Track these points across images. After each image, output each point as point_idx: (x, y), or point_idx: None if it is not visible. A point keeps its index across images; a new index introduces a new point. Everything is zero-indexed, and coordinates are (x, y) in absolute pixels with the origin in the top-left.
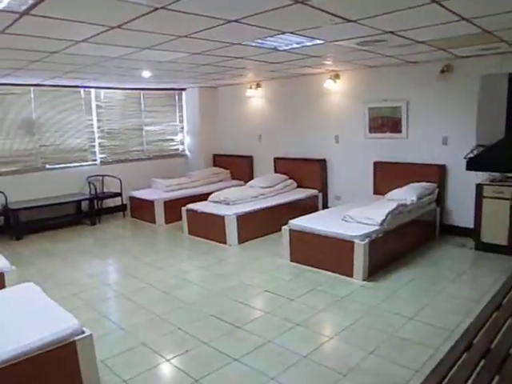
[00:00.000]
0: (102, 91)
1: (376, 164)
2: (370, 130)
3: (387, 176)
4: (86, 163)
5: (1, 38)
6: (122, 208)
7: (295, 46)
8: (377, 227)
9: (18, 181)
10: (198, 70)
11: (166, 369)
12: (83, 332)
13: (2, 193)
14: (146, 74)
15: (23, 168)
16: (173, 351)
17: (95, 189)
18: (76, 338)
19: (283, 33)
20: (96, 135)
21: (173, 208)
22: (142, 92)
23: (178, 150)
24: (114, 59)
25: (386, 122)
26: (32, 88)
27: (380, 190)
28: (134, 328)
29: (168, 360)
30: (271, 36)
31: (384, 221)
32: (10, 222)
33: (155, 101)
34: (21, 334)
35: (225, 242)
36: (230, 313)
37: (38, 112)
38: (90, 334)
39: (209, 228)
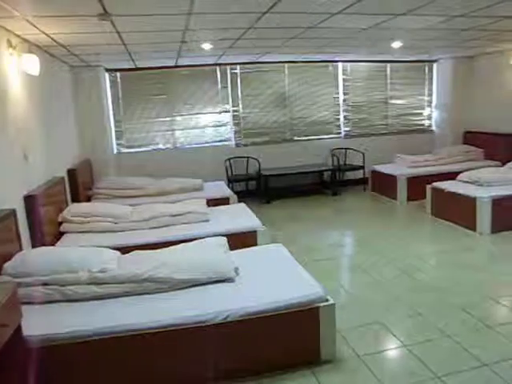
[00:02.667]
0: (349, 64)
1: None
2: None
3: None
4: (330, 136)
5: (264, 19)
6: (362, 181)
7: None
8: None
9: (270, 150)
10: (458, 36)
11: (402, 354)
12: (327, 300)
13: (257, 160)
14: (396, 44)
15: (275, 138)
16: (411, 337)
17: (338, 161)
18: (320, 304)
19: None
20: (341, 108)
21: (416, 185)
22: (388, 64)
23: (423, 125)
24: (366, 30)
25: None
26: (286, 65)
27: None
28: (372, 304)
29: (405, 346)
30: None
31: None
32: (260, 187)
33: (402, 73)
34: (271, 291)
35: (474, 229)
36: (479, 308)
37: (289, 87)
38: (333, 304)
39: (456, 211)
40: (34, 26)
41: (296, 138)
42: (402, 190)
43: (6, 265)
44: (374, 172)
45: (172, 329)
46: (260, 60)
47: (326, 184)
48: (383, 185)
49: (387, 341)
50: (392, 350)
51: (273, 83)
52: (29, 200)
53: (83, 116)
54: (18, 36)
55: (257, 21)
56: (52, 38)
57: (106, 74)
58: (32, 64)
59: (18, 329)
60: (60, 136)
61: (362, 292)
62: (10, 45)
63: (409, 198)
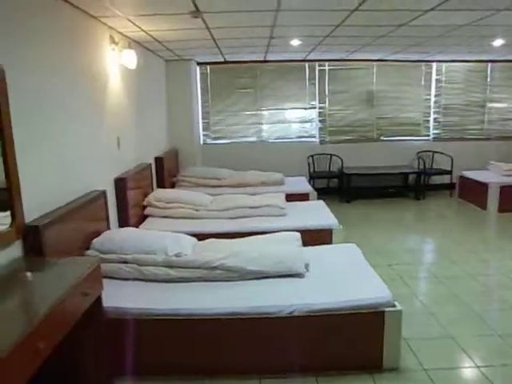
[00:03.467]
0: (444, 64)
1: None
2: None
3: None
4: (417, 138)
5: (353, 16)
6: (449, 187)
7: None
8: None
9: (354, 149)
10: None
11: (472, 375)
12: (394, 306)
13: (340, 158)
14: (498, 42)
15: (359, 137)
16: (486, 358)
17: (424, 164)
18: (386, 309)
19: None
20: (432, 110)
21: (510, 195)
22: (489, 64)
23: None
24: (462, 27)
25: None
26: (374, 63)
27: None
28: (445, 317)
29: (478, 367)
30: None
31: None
32: (342, 185)
33: (506, 74)
34: (339, 290)
35: None
36: None
37: (378, 86)
38: (400, 310)
39: None
40: (134, 23)
41: (382, 138)
42: (493, 199)
43: (95, 240)
44: (462, 178)
45: (237, 317)
46: (349, 58)
47: (409, 187)
48: (472, 192)
49: (458, 358)
50: (462, 368)
51: (361, 81)
52: (118, 183)
53: (173, 107)
54: (120, 33)
55: (345, 19)
56: (149, 35)
57: (197, 67)
58: (130, 58)
59: (98, 299)
60: (151, 126)
61: (436, 303)
62: (112, 41)
63: (500, 209)
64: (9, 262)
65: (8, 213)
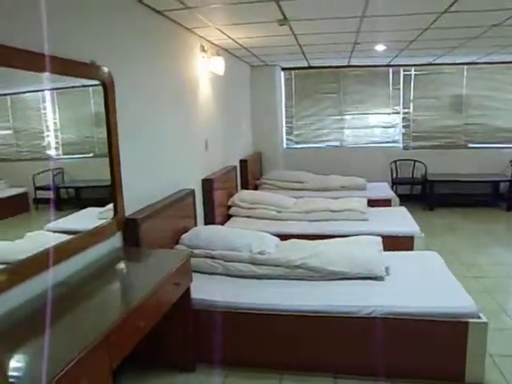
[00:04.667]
0: None
1: None
2: None
3: None
4: (510, 145)
5: (442, 18)
6: None
7: None
8: None
9: (439, 155)
10: None
11: None
12: (479, 317)
13: (424, 164)
14: None
15: (445, 143)
16: None
17: None
18: (470, 320)
19: None
20: None
21: None
22: None
23: None
24: None
25: None
26: (465, 67)
27: None
28: None
29: None
30: None
31: None
32: (425, 192)
33: None
34: (419, 295)
35: None
36: None
37: (468, 90)
38: (486, 322)
39: None
40: (223, 32)
41: (470, 145)
42: None
43: (184, 236)
44: None
45: (317, 315)
46: (436, 62)
47: (501, 196)
48: None
49: None
50: None
51: (449, 86)
52: (206, 183)
53: (258, 112)
54: (209, 41)
55: (434, 21)
56: (236, 42)
57: (282, 73)
58: (219, 65)
59: (187, 290)
60: (236, 129)
61: None
62: (202, 49)
63: None
64: (111, 251)
65: (111, 207)
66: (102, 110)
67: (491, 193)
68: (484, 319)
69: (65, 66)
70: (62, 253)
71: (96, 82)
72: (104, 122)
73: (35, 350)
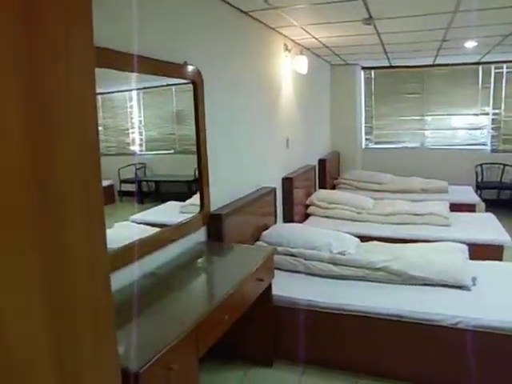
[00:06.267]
0: None
1: None
2: None
3: None
4: None
5: None
6: None
7: None
8: None
9: None
10: None
11: None
12: None
13: None
14: None
15: None
16: None
17: None
18: None
19: None
20: None
21: None
22: None
23: None
24: None
25: None
26: None
27: None
28: None
29: None
30: None
31: None
32: None
33: None
34: (508, 308)
35: None
36: None
37: None
38: None
39: None
40: (307, 32)
41: None
42: None
43: (265, 233)
44: None
45: (398, 319)
46: None
47: None
48: None
49: None
50: None
51: None
52: (286, 181)
53: (337, 111)
54: (292, 40)
55: None
56: (319, 41)
57: (362, 72)
58: (302, 64)
59: (269, 286)
60: (316, 128)
61: None
62: (286, 48)
63: None
64: (196, 245)
65: (192, 201)
66: (184, 108)
67: None
68: None
69: (163, 68)
70: (151, 244)
71: (180, 81)
72: (185, 120)
73: (130, 335)
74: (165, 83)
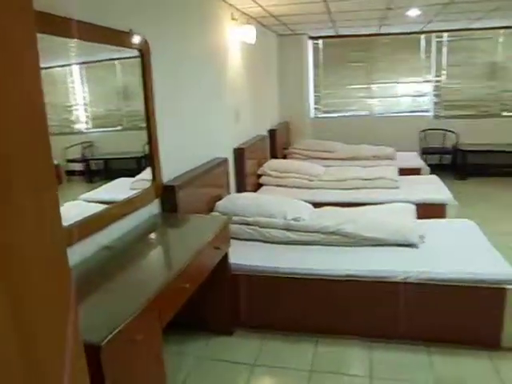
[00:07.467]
0: None
1: None
2: None
3: None
4: None
5: None
6: None
7: None
8: None
9: (471, 124)
10: None
11: None
12: None
13: (455, 133)
14: None
15: (479, 112)
16: None
17: None
18: (507, 286)
19: None
20: None
21: None
22: None
23: None
24: None
25: None
26: (501, 31)
27: None
28: None
29: None
30: None
31: None
32: (456, 162)
33: None
34: (455, 261)
35: None
36: None
37: (503, 56)
38: None
39: None
40: (254, 0)
41: (505, 114)
42: None
43: (218, 203)
44: None
45: (354, 279)
46: (471, 27)
47: None
48: None
49: None
50: None
51: (482, 52)
52: (237, 152)
53: (285, 81)
54: (239, 10)
55: None
56: (266, 10)
57: (309, 42)
58: (250, 34)
59: (226, 255)
60: (264, 99)
61: None
62: (232, 17)
63: None
64: (151, 217)
65: (142, 176)
66: (131, 83)
67: None
68: None
69: (108, 36)
70: (102, 220)
71: (125, 55)
72: (132, 95)
73: (93, 307)
74: (108, 57)
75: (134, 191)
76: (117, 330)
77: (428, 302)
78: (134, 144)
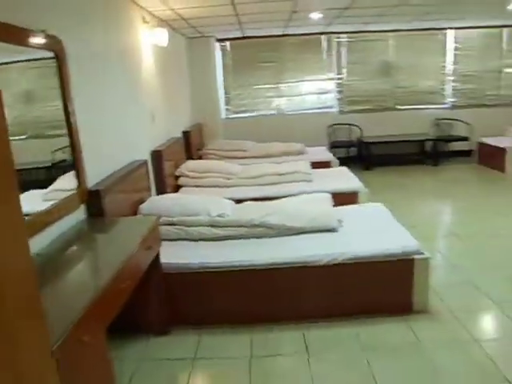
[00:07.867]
0: (459, 31)
1: None
2: None
3: None
4: (434, 106)
5: None
6: (467, 153)
7: None
8: None
9: (372, 118)
10: None
11: (495, 314)
12: (422, 253)
13: (359, 127)
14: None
15: (377, 107)
16: (506, 299)
17: (441, 131)
18: (415, 256)
19: None
20: (448, 78)
21: None
22: (504, 30)
23: None
24: None
25: None
26: (391, 33)
27: None
28: (468, 268)
29: (498, 306)
30: None
31: None
32: (361, 154)
33: None
34: (371, 241)
35: None
36: None
37: (394, 56)
38: (428, 257)
39: None
40: (164, 3)
41: (398, 107)
42: (510, 164)
43: (142, 206)
44: (481, 144)
45: (282, 267)
46: (365, 29)
47: (427, 154)
48: (491, 157)
49: (480, 300)
50: (484, 309)
51: (377, 52)
52: (155, 154)
53: (196, 83)
54: (150, 12)
55: None
56: (177, 13)
57: (217, 44)
58: (161, 37)
59: (157, 255)
60: (178, 101)
61: (459, 257)
62: (144, 20)
63: None
64: (78, 223)
65: (56, 187)
66: (37, 87)
67: (420, 151)
68: (427, 255)
69: (18, 35)
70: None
71: (30, 57)
72: (39, 100)
73: None
74: (9, 60)
75: (51, 202)
76: (67, 333)
77: (350, 281)
78: (42, 153)
